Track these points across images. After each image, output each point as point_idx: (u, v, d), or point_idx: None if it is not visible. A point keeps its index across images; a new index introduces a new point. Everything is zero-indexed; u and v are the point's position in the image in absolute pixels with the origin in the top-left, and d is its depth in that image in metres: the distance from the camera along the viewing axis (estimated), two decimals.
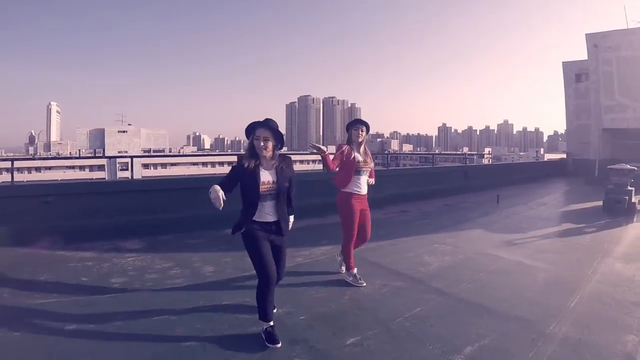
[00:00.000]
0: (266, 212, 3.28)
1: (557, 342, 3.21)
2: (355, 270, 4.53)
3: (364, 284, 4.39)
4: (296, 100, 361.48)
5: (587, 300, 4.12)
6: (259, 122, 3.25)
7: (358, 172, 4.47)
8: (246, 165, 3.19)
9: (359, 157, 4.46)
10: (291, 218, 3.61)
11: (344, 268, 4.69)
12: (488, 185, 13.72)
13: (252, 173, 3.20)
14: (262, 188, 3.22)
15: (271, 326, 3.27)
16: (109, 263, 5.20)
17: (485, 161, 34.70)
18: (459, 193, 12.23)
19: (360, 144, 4.52)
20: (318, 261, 5.36)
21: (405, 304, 3.96)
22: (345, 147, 4.43)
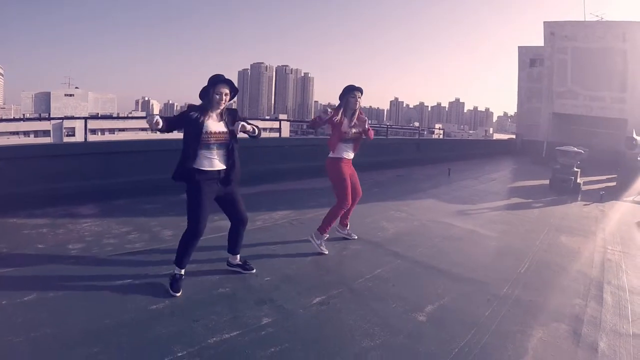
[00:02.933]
0: (216, 160, 3.37)
1: (510, 303, 3.43)
2: (326, 236, 4.49)
3: (326, 252, 4.38)
4: (249, 68, 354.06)
5: (536, 267, 4.40)
6: (223, 78, 3.39)
7: (348, 140, 4.53)
8: (199, 116, 3.28)
9: (349, 129, 4.47)
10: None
11: (354, 235, 4.90)
12: (439, 159, 14.09)
13: (201, 123, 3.28)
14: (213, 137, 3.32)
15: (181, 274, 3.41)
16: (64, 229, 4.90)
17: (435, 137, 35.64)
18: (410, 165, 12.48)
19: (355, 111, 4.52)
20: (278, 225, 5.39)
21: (366, 266, 4.09)
22: (339, 116, 4.42)
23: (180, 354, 2.55)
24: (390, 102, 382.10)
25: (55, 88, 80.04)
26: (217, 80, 3.35)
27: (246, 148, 8.12)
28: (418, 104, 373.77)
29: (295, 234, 4.88)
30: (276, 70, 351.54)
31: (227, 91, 3.37)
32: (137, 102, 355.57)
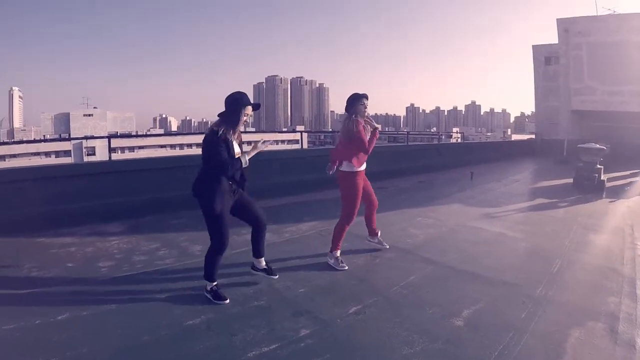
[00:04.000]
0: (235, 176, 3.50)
1: (545, 304, 3.41)
2: (338, 253, 4.37)
3: (346, 267, 4.24)
4: (264, 81, 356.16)
5: (568, 266, 4.35)
6: (249, 99, 3.46)
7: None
8: (227, 135, 3.35)
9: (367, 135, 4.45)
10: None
11: (386, 244, 4.84)
12: (460, 163, 13.96)
13: (228, 145, 3.36)
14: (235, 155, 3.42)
15: (216, 285, 3.51)
16: (92, 247, 4.94)
17: (453, 141, 35.38)
18: (432, 171, 12.39)
19: (365, 119, 4.45)
20: (306, 236, 5.43)
21: (398, 274, 4.09)
22: (362, 126, 4.34)
23: None
24: (406, 108, 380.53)
25: (74, 109, 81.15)
26: (247, 102, 3.41)
27: (270, 161, 8.30)
28: (434, 108, 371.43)
29: (325, 244, 4.78)
30: (291, 82, 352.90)
31: (251, 112, 3.48)
32: (154, 119, 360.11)
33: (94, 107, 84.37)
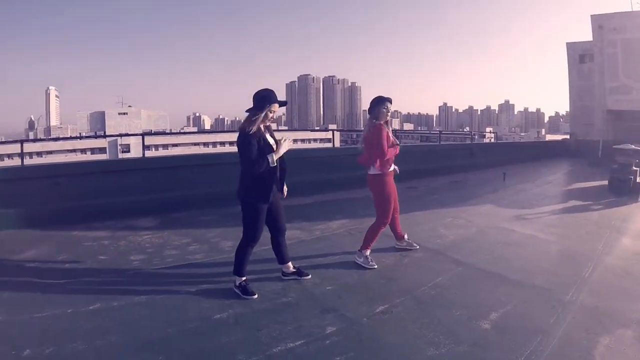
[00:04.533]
0: (274, 173, 3.55)
1: (575, 309, 3.31)
2: (368, 252, 4.34)
3: (375, 266, 4.23)
4: (296, 80, 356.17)
5: (600, 271, 4.20)
6: (276, 96, 3.50)
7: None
8: (261, 134, 3.43)
9: (391, 137, 4.42)
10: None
11: (415, 245, 4.81)
12: (493, 163, 13.63)
13: (264, 138, 3.44)
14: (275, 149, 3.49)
15: (244, 280, 3.57)
16: (125, 241, 5.11)
17: (486, 141, 34.66)
18: (464, 170, 12.17)
19: (387, 122, 4.41)
20: (336, 234, 5.44)
21: (427, 274, 4.06)
22: (386, 132, 4.30)
23: None
24: (439, 107, 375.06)
25: (109, 107, 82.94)
26: (274, 99, 3.46)
27: (301, 159, 8.35)
28: (467, 108, 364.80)
29: (355, 243, 4.77)
30: (323, 81, 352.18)
31: (277, 109, 3.51)
32: (188, 118, 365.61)
33: (129, 106, 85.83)
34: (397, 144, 4.47)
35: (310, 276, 3.91)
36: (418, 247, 4.80)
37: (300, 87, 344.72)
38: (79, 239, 5.20)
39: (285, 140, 3.54)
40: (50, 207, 5.97)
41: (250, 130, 3.35)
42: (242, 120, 3.58)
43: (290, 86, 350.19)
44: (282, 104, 3.55)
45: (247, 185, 3.45)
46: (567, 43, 23.73)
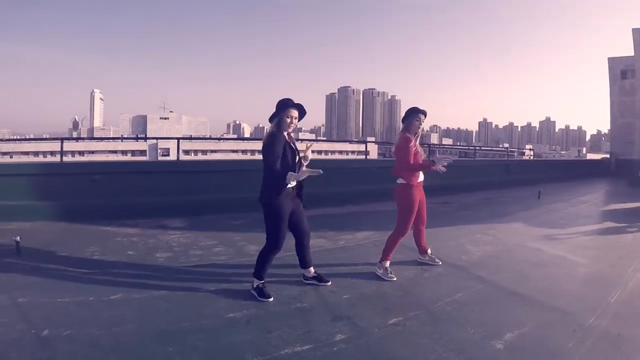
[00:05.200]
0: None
1: (596, 335, 3.12)
2: (388, 264, 4.27)
3: (394, 278, 4.15)
4: (336, 91, 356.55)
5: (628, 296, 3.96)
6: (292, 101, 3.55)
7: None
8: (283, 140, 3.48)
9: (419, 149, 4.34)
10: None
11: (438, 260, 4.68)
12: (529, 180, 13.20)
13: (289, 144, 3.52)
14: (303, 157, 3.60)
15: (263, 283, 3.61)
16: (154, 239, 5.31)
17: (525, 158, 33.63)
18: (499, 187, 11.87)
19: (418, 134, 4.36)
20: (360, 245, 5.41)
21: (446, 289, 3.95)
22: (413, 143, 4.23)
23: None
24: (479, 123, 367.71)
25: (151, 112, 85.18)
26: (290, 104, 3.52)
27: (335, 170, 8.34)
28: (507, 124, 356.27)
29: (377, 254, 4.65)
30: (363, 93, 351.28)
31: (296, 115, 3.55)
32: (228, 125, 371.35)
33: (170, 111, 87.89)
34: (426, 159, 4.41)
35: (330, 282, 3.92)
36: (440, 262, 4.68)
37: (340, 99, 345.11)
38: (110, 234, 5.46)
39: (307, 154, 3.61)
40: (86, 203, 6.33)
41: (275, 135, 3.44)
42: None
43: (330, 98, 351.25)
44: (299, 108, 3.58)
45: (270, 192, 3.49)
46: (608, 58, 22.66)
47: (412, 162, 4.19)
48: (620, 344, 3.02)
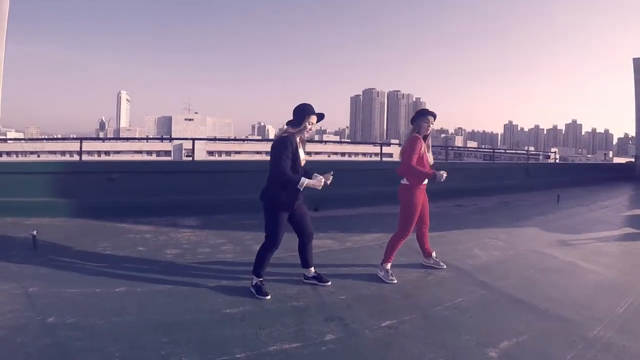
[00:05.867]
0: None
1: (598, 347, 2.94)
2: (389, 266, 4.18)
3: (395, 281, 4.05)
4: (361, 93, 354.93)
5: (638, 307, 3.76)
6: (313, 108, 3.56)
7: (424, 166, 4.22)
8: (295, 145, 3.49)
9: (428, 154, 4.22)
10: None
11: (442, 264, 4.54)
12: (550, 184, 12.78)
13: (296, 150, 3.49)
14: (301, 162, 3.54)
15: (261, 281, 3.62)
16: (165, 236, 5.39)
17: (551, 161, 32.70)
18: (519, 191, 11.55)
19: (427, 136, 4.26)
20: (367, 246, 5.31)
21: (447, 294, 3.82)
22: (421, 144, 4.12)
23: (238, 356, 2.63)
24: (504, 125, 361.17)
25: (176, 113, 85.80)
26: (312, 112, 3.52)
27: (350, 171, 8.26)
28: (533, 127, 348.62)
29: (399, 255, 4.61)
30: (387, 95, 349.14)
31: (315, 121, 3.56)
32: (253, 126, 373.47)
33: (195, 112, 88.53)
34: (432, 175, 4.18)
35: (329, 283, 3.88)
36: (445, 266, 4.53)
37: (365, 101, 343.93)
38: (124, 231, 5.59)
39: (328, 178, 3.55)
40: (104, 200, 6.47)
41: (288, 138, 3.44)
42: (281, 131, 3.71)
43: (354, 100, 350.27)
44: (319, 116, 3.58)
45: (274, 191, 3.50)
46: (633, 59, 21.71)
47: (414, 164, 4.07)
48: (623, 357, 2.83)
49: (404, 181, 4.20)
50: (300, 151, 3.58)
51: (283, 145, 3.42)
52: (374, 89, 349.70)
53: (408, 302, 3.66)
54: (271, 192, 3.52)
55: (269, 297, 3.51)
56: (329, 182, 3.52)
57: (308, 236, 3.80)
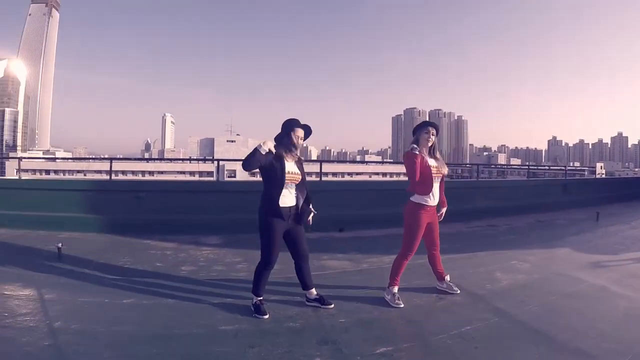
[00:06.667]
0: (289, 198, 3.55)
1: None
2: (396, 289, 3.97)
3: (401, 305, 3.83)
4: (402, 113, 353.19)
5: None
6: (299, 122, 3.62)
7: (429, 181, 3.96)
8: (281, 159, 3.50)
9: (432, 162, 3.99)
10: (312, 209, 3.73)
11: (456, 289, 4.27)
12: (590, 201, 11.92)
13: (281, 162, 3.49)
14: (288, 177, 3.50)
15: (260, 300, 3.60)
16: (185, 254, 5.47)
17: (598, 177, 31.04)
18: (556, 209, 10.85)
19: (430, 148, 4.03)
20: (382, 268, 4.99)
21: (455, 321, 3.54)
22: (419, 157, 3.91)
23: None
24: (548, 141, 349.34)
25: (218, 135, 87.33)
26: (296, 125, 3.58)
27: (380, 191, 8.06)
28: (577, 141, 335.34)
29: (414, 277, 4.51)
30: (429, 114, 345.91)
31: (302, 134, 3.59)
32: None
33: (237, 134, 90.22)
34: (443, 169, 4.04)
35: (332, 305, 3.74)
36: (458, 291, 4.23)
37: (407, 121, 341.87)
38: (147, 247, 5.80)
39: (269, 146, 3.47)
40: (131, 217, 6.76)
41: (274, 156, 3.47)
42: None
43: (396, 119, 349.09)
44: (305, 129, 3.66)
45: (259, 208, 3.59)
46: None
47: (418, 178, 3.88)
48: None
49: (412, 198, 4.01)
50: (290, 165, 3.56)
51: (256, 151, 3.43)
52: (415, 108, 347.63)
53: (410, 328, 3.44)
54: (259, 208, 3.58)
55: (266, 316, 3.48)
56: (271, 147, 3.42)
57: (302, 258, 3.72)
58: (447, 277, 4.32)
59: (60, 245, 5.11)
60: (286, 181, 3.49)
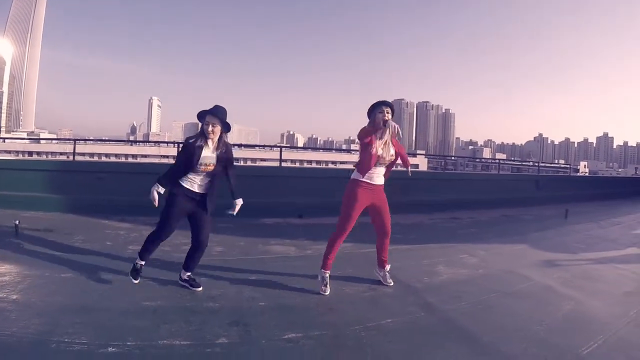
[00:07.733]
0: (197, 184, 3.55)
1: None
2: (327, 275, 3.80)
3: (326, 293, 3.69)
4: None
5: (612, 347, 3.02)
6: (208, 110, 3.52)
7: (378, 164, 3.77)
8: (197, 144, 3.48)
9: (380, 151, 3.72)
10: (239, 201, 3.73)
11: (389, 281, 4.03)
12: (563, 198, 11.69)
13: (198, 149, 3.46)
14: (203, 165, 3.48)
15: (141, 264, 3.71)
16: (137, 234, 5.50)
17: (581, 175, 31.17)
18: (526, 204, 10.68)
19: (385, 131, 3.75)
20: (339, 256, 4.73)
21: (377, 313, 3.32)
22: (371, 138, 3.69)
23: (128, 344, 2.67)
24: (534, 138, 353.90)
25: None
26: (205, 113, 3.52)
27: (341, 179, 7.74)
28: (563, 139, 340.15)
29: (339, 267, 4.23)
30: (417, 106, 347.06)
31: (215, 122, 3.48)
32: (282, 135, 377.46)
33: None
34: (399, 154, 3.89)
35: (201, 288, 3.69)
36: (392, 283, 3.99)
37: (394, 112, 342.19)
38: (103, 227, 5.92)
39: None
40: (92, 198, 6.97)
41: (191, 141, 3.52)
42: None
43: None
44: (213, 113, 3.52)
45: (168, 180, 3.61)
46: None
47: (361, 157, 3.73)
48: None
49: (353, 175, 3.85)
50: (208, 152, 3.53)
51: (182, 149, 3.58)
52: (402, 99, 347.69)
53: (328, 317, 3.27)
54: (165, 178, 3.65)
55: (137, 281, 3.62)
56: (159, 190, 3.61)
57: (200, 246, 3.69)
58: (388, 267, 4.07)
59: (17, 222, 5.23)
60: (199, 168, 3.48)
